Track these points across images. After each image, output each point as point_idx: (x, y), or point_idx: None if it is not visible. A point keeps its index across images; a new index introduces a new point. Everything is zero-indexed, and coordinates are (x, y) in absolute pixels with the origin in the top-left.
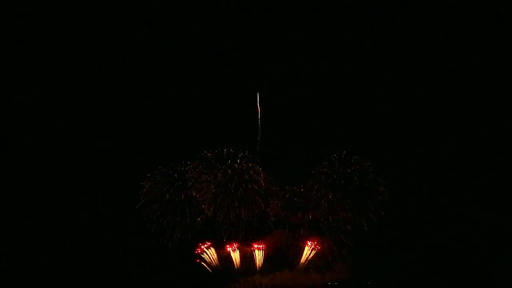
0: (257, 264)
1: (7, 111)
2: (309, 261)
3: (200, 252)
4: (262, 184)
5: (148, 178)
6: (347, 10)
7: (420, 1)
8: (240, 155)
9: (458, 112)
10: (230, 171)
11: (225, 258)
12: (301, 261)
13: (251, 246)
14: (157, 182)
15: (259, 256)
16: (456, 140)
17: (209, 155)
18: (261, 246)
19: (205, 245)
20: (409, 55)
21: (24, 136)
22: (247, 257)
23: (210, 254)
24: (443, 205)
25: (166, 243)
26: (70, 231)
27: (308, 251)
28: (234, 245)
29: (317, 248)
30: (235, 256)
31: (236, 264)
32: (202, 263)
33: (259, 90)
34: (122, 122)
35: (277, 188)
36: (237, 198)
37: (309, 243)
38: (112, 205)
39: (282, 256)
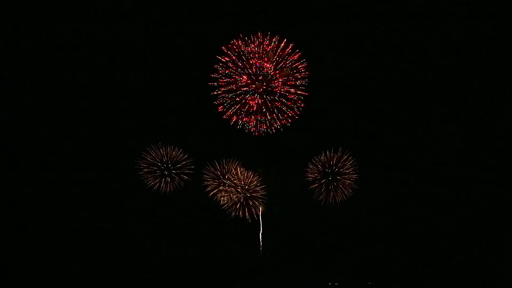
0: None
1: (7, 111)
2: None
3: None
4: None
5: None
6: (348, 9)
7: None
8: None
9: (459, 112)
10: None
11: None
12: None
13: None
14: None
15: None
16: (456, 140)
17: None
18: None
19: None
20: (408, 54)
21: (23, 136)
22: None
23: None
24: (443, 205)
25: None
26: (68, 231)
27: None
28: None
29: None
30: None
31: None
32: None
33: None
34: (121, 122)
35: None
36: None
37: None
38: (112, 205)
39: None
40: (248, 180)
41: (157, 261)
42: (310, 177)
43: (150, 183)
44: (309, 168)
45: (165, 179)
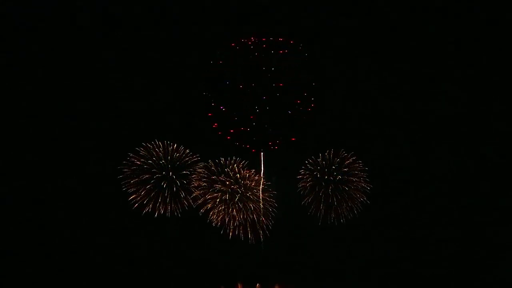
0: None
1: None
2: None
3: None
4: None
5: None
6: (349, 9)
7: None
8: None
9: (461, 112)
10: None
11: None
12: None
13: None
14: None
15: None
16: (456, 141)
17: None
18: None
19: None
20: (408, 52)
21: (21, 136)
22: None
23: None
24: (443, 206)
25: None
26: (65, 232)
27: None
28: None
29: None
30: None
31: None
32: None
33: None
34: (121, 122)
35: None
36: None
37: None
38: (110, 205)
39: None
40: (251, 183)
41: (154, 262)
42: (304, 186)
43: (139, 200)
44: (303, 176)
45: (164, 194)
